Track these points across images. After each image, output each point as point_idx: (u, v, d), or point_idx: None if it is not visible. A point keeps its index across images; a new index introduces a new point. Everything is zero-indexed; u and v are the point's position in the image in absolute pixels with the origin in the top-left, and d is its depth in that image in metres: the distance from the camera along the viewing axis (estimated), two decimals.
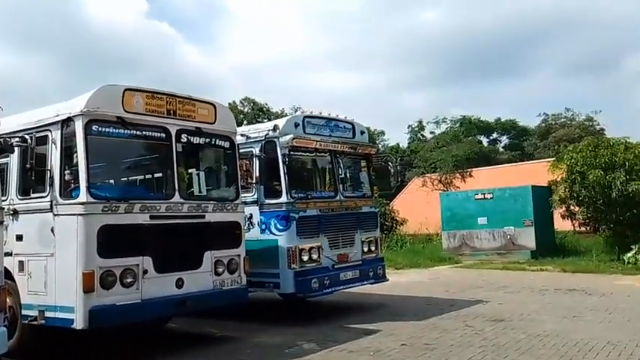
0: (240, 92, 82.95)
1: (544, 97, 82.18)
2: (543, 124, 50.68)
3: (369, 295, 11.48)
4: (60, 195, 6.80)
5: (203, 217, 7.75)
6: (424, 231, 24.88)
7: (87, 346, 7.85)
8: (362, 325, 8.94)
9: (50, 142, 6.99)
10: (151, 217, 7.11)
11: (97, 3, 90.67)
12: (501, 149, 55.39)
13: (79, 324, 6.44)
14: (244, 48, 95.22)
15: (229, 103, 41.04)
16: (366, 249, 10.30)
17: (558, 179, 18.02)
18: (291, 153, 9.40)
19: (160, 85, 7.66)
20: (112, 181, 8.10)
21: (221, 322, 9.16)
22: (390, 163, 11.79)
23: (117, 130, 7.06)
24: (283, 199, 9.16)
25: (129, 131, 7.16)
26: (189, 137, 7.80)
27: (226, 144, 8.40)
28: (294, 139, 9.30)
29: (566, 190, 17.17)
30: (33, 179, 6.95)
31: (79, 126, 6.74)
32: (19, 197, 7.27)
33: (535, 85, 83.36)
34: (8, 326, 5.90)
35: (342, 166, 10.53)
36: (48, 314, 6.69)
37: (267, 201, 9.29)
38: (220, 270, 7.83)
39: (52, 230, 6.78)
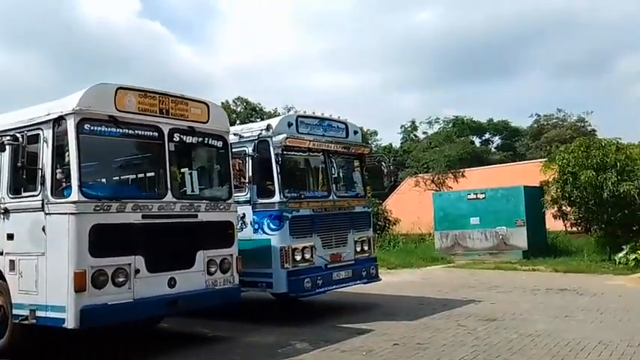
0: (233, 92, 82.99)
1: (536, 97, 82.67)
2: (535, 125, 50.96)
3: (362, 294, 11.48)
4: (51, 194, 6.75)
5: (196, 216, 7.72)
6: (417, 231, 24.91)
7: (78, 346, 7.82)
8: (354, 324, 8.95)
9: (42, 141, 6.94)
10: (143, 217, 7.07)
11: (90, 2, 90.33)
12: (494, 150, 55.62)
13: (70, 323, 6.39)
14: (237, 48, 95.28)
15: (222, 103, 40.93)
16: (358, 249, 10.30)
17: (550, 179, 18.08)
18: (284, 152, 9.37)
19: (152, 84, 7.62)
20: (104, 180, 8.06)
21: (213, 321, 9.14)
22: (383, 163, 11.84)
23: (109, 129, 7.01)
24: (276, 198, 9.14)
25: (121, 130, 7.11)
26: (181, 136, 7.77)
27: (219, 143, 8.36)
28: (287, 138, 9.28)
29: (558, 190, 17.25)
30: (24, 178, 6.92)
31: (70, 125, 6.70)
32: (10, 196, 7.22)
33: (527, 85, 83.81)
34: None
35: (335, 165, 10.52)
36: (39, 313, 6.65)
37: (260, 200, 9.27)
38: (213, 269, 7.81)
39: (44, 229, 6.73)
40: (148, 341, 8.38)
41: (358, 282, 10.31)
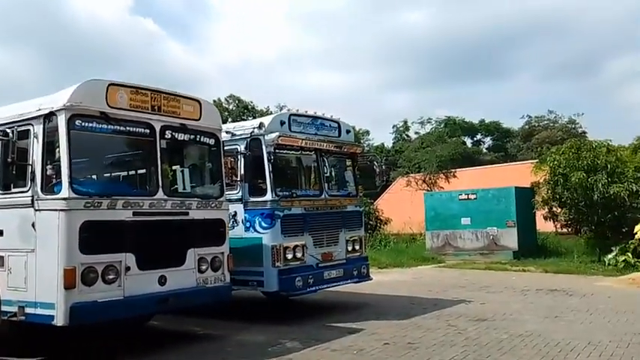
0: (226, 90, 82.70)
1: (527, 99, 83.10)
2: (526, 126, 51.22)
3: (353, 294, 11.48)
4: (41, 190, 6.69)
5: (187, 214, 7.69)
6: (408, 230, 24.97)
7: (68, 344, 7.76)
8: (345, 324, 8.94)
9: (32, 137, 6.87)
10: (134, 214, 7.02)
11: None
12: (485, 150, 55.88)
13: (59, 320, 6.34)
14: (229, 45, 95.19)
15: (214, 101, 40.80)
16: (350, 248, 10.30)
17: (541, 181, 18.18)
18: (277, 151, 9.34)
19: (144, 81, 7.59)
20: (94, 176, 8.01)
21: (204, 320, 9.11)
22: (375, 163, 11.79)
23: (100, 126, 6.96)
24: (268, 197, 9.12)
25: (112, 127, 7.06)
26: (173, 133, 7.72)
27: (211, 141, 8.33)
28: (279, 136, 9.26)
29: (549, 191, 17.34)
30: (14, 174, 6.86)
31: (61, 120, 6.64)
32: (0, 192, 7.15)
33: (518, 87, 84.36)
34: None
35: (327, 164, 10.51)
36: (28, 310, 6.60)
37: (252, 199, 9.24)
38: (204, 267, 7.77)
39: (33, 225, 6.67)
40: (138, 339, 8.33)
41: (349, 281, 10.31)
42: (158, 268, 7.20)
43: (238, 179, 9.19)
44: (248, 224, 9.22)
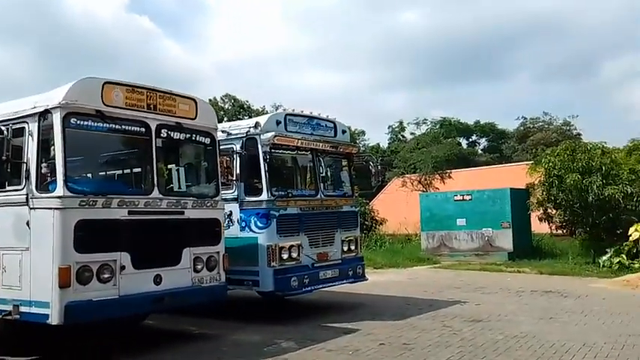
0: (221, 89, 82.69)
1: (522, 100, 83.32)
2: (521, 128, 51.36)
3: (348, 294, 11.47)
4: (36, 188, 6.65)
5: (182, 213, 7.66)
6: (403, 231, 24.98)
7: (63, 342, 7.72)
8: (341, 324, 8.94)
9: (27, 135, 6.83)
10: (130, 213, 6.99)
11: None
12: (480, 151, 55.94)
13: (54, 319, 6.31)
14: (225, 44, 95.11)
15: (210, 100, 40.71)
16: (345, 248, 10.29)
17: (536, 182, 18.19)
18: (273, 150, 9.33)
19: (139, 79, 7.56)
20: (89, 175, 8.00)
21: (199, 319, 9.09)
22: (370, 163, 11.77)
23: (95, 124, 6.93)
24: (264, 196, 9.11)
25: (108, 125, 7.03)
26: (169, 132, 7.70)
27: (207, 140, 8.30)
28: (275, 136, 9.25)
29: (544, 193, 17.36)
30: (8, 171, 6.81)
31: (56, 118, 6.61)
32: None
33: (514, 88, 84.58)
34: None
35: (323, 164, 10.50)
36: (23, 309, 6.56)
37: (248, 198, 9.23)
38: (199, 267, 7.75)
39: (28, 224, 6.63)
40: (133, 338, 8.30)
41: (345, 281, 10.30)
42: (153, 268, 7.18)
43: (234, 179, 9.16)
44: (244, 224, 9.20)
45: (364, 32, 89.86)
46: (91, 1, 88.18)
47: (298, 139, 9.71)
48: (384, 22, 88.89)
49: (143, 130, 7.38)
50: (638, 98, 70.16)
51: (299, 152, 10.08)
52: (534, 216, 18.69)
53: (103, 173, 8.40)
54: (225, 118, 38.44)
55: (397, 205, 27.28)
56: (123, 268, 6.80)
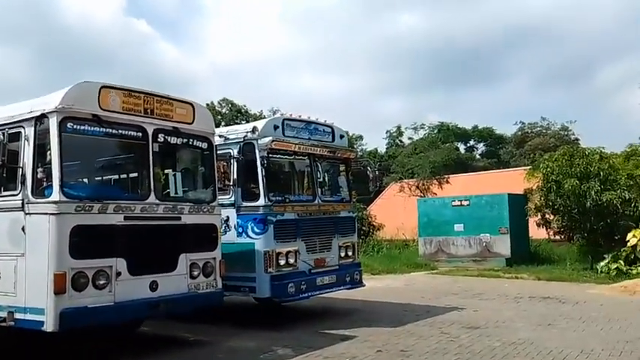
0: (219, 93, 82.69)
1: (520, 105, 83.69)
2: (519, 133, 51.43)
3: (346, 300, 11.42)
4: (32, 193, 6.60)
5: (179, 218, 7.62)
6: (401, 237, 24.97)
7: (58, 349, 7.67)
8: (338, 330, 8.89)
9: (23, 139, 6.79)
10: (126, 218, 6.95)
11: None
12: (478, 156, 56.00)
13: (49, 326, 6.26)
14: (223, 47, 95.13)
15: (207, 104, 40.71)
16: (343, 254, 10.25)
17: (534, 187, 18.19)
18: (270, 155, 9.29)
19: (136, 82, 7.53)
20: (86, 180, 7.93)
21: (195, 326, 9.03)
22: (368, 168, 11.75)
23: (92, 128, 6.89)
24: (261, 202, 9.07)
25: (104, 129, 6.99)
26: (166, 137, 7.66)
27: (204, 145, 8.27)
28: (273, 141, 9.21)
29: (542, 198, 17.36)
30: (4, 176, 6.79)
31: (53, 123, 6.57)
32: None
33: (512, 93, 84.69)
34: None
35: (320, 169, 10.47)
36: (17, 315, 6.50)
37: (245, 204, 9.19)
38: (195, 273, 7.70)
39: (23, 229, 6.58)
40: (129, 345, 8.25)
41: (342, 287, 10.25)
42: (149, 274, 7.12)
43: (231, 184, 9.13)
44: (240, 229, 9.17)
45: (363, 34, 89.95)
46: (88, 4, 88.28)
47: (296, 144, 9.68)
48: (382, 25, 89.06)
49: (140, 134, 7.34)
50: (636, 103, 70.16)
51: (296, 157, 10.05)
52: (532, 221, 18.66)
53: (100, 178, 8.34)
54: (223, 123, 38.38)
55: (395, 211, 27.27)
56: (119, 274, 6.75)
